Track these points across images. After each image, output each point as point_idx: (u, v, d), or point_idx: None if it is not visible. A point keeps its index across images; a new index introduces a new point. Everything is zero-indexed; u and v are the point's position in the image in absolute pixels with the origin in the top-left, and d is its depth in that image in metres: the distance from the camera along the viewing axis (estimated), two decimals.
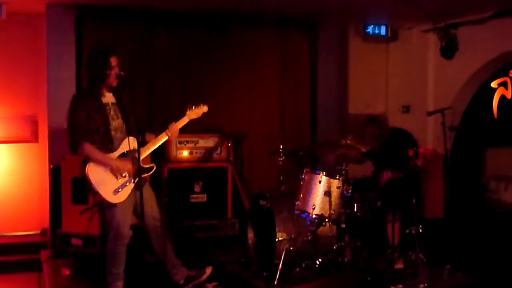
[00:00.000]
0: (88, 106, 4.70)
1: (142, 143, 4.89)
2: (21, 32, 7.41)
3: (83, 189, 6.14)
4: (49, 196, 6.67)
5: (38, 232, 7.45)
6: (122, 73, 4.75)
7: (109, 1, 6.92)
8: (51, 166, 6.62)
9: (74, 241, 6.29)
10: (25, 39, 7.44)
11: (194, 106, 5.10)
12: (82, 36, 7.19)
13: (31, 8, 7.03)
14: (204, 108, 5.16)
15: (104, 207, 4.86)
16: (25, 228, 7.46)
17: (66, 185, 6.35)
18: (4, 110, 7.42)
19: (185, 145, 6.95)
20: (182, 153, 6.95)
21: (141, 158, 4.69)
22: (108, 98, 4.83)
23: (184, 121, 5.06)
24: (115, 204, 4.71)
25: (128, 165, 4.75)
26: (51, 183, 6.58)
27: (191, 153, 6.97)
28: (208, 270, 5.36)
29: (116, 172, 4.71)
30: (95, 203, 6.10)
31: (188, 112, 5.09)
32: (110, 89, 4.84)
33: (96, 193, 4.72)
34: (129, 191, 4.78)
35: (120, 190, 4.72)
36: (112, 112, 4.80)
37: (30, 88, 7.48)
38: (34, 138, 7.51)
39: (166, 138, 4.99)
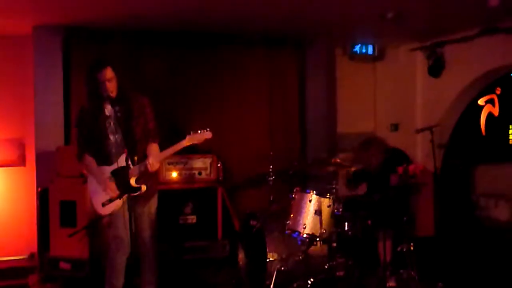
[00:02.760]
0: (88, 121, 4.82)
1: (138, 160, 4.80)
2: (8, 54, 7.35)
3: (71, 212, 6.15)
4: (37, 220, 6.60)
5: (26, 256, 7.33)
6: (113, 91, 4.69)
7: (96, 23, 6.90)
8: (39, 189, 6.56)
9: (63, 265, 6.23)
10: (12, 61, 7.37)
11: (199, 131, 4.68)
12: (69, 58, 7.16)
13: (17, 30, 7.01)
14: (208, 134, 4.70)
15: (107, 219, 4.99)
16: (12, 252, 7.34)
17: (54, 208, 6.30)
18: None
19: (174, 166, 6.92)
20: (171, 174, 6.91)
21: (133, 176, 4.73)
22: (110, 110, 4.78)
23: (181, 145, 4.69)
24: (101, 216, 4.88)
25: (112, 185, 4.82)
26: (38, 207, 6.52)
27: (180, 174, 6.94)
28: None
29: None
30: (83, 226, 6.05)
31: (188, 137, 4.67)
32: (111, 102, 4.74)
33: (90, 202, 5.01)
34: (116, 207, 4.78)
35: (107, 203, 4.77)
36: (112, 126, 4.76)
37: (17, 111, 7.40)
38: (21, 161, 7.43)
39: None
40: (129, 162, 4.71)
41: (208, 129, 4.71)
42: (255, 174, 6.56)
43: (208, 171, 7.03)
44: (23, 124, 7.40)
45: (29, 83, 7.17)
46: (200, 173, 7.00)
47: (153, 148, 4.88)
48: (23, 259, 7.34)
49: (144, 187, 4.81)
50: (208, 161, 7.06)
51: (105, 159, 4.84)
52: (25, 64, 7.27)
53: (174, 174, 6.91)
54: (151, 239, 5.06)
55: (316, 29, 7.62)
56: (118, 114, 4.74)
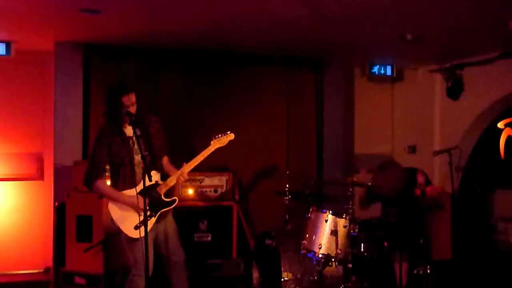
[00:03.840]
0: (110, 142, 4.75)
1: (162, 177, 4.86)
2: (29, 70, 7.46)
3: (88, 227, 6.17)
4: (53, 234, 6.64)
5: (42, 270, 7.37)
6: (131, 111, 4.74)
7: (116, 40, 6.99)
8: (56, 204, 6.60)
9: (78, 279, 6.25)
10: (33, 76, 7.49)
11: (220, 135, 4.95)
12: (89, 74, 7.24)
13: (39, 46, 7.11)
14: (231, 136, 4.98)
15: (126, 241, 4.79)
16: (28, 266, 7.38)
17: (71, 223, 6.33)
18: (10, 147, 7.42)
19: (191, 183, 6.92)
20: (187, 191, 6.91)
21: (162, 191, 4.76)
22: (130, 131, 4.79)
23: (209, 151, 4.90)
24: (136, 239, 4.62)
25: (141, 201, 4.60)
26: (55, 221, 6.56)
27: (196, 191, 6.94)
28: None
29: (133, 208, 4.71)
30: (99, 241, 6.07)
31: (212, 142, 4.92)
32: (131, 123, 4.77)
33: (117, 229, 4.74)
34: (151, 225, 4.69)
35: (140, 225, 4.57)
36: (135, 146, 4.77)
37: (37, 125, 7.50)
38: (40, 175, 7.50)
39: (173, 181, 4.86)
40: (159, 178, 4.80)
41: (229, 132, 4.95)
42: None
43: (224, 189, 7.03)
44: (42, 138, 7.49)
45: (49, 98, 7.26)
46: (216, 191, 7.00)
47: (166, 160, 5.05)
48: (38, 273, 7.37)
49: (176, 199, 4.86)
50: (224, 178, 7.06)
51: (130, 181, 4.73)
52: (46, 80, 7.39)
53: (190, 191, 6.92)
54: (184, 251, 5.03)
55: (334, 49, 7.63)
56: (139, 135, 4.78)
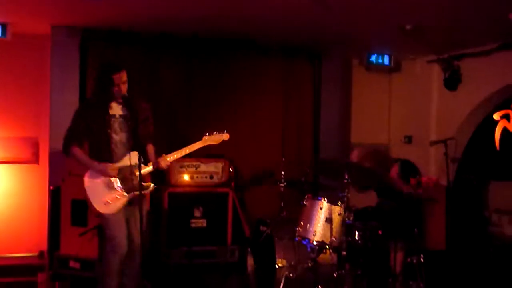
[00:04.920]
0: (89, 117, 4.81)
1: (143, 162, 4.87)
2: (25, 53, 7.42)
3: (83, 211, 6.17)
4: (48, 218, 6.62)
5: (36, 254, 7.36)
6: (125, 94, 4.77)
7: (114, 25, 6.95)
8: (51, 188, 6.59)
9: (72, 264, 6.25)
10: (29, 60, 7.45)
11: (215, 132, 5.04)
12: (86, 59, 7.22)
13: (35, 29, 7.07)
14: (226, 136, 5.09)
15: (102, 218, 4.91)
16: (22, 249, 7.38)
17: (66, 207, 6.33)
18: (5, 131, 7.40)
19: (186, 169, 6.93)
20: (183, 177, 6.92)
21: (138, 175, 4.70)
22: (115, 110, 4.83)
23: (197, 145, 5.00)
24: (102, 214, 4.79)
25: (115, 170, 4.76)
26: (50, 205, 6.54)
27: (192, 177, 6.95)
28: None
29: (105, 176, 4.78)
30: (94, 226, 6.07)
31: (205, 137, 5.02)
32: (120, 102, 4.84)
33: (89, 202, 4.82)
34: (120, 205, 4.81)
35: (110, 202, 4.77)
36: (116, 125, 4.80)
37: (32, 109, 7.47)
38: (35, 159, 7.48)
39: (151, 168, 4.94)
40: (140, 162, 4.76)
41: (225, 131, 5.03)
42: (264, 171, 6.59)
43: (219, 175, 7.04)
44: (38, 122, 7.46)
45: (45, 82, 7.24)
46: (211, 177, 7.00)
47: (151, 148, 5.12)
48: (33, 256, 7.37)
49: (152, 186, 4.89)
50: (220, 165, 7.06)
51: (106, 156, 4.84)
52: (42, 64, 7.34)
53: (186, 177, 6.92)
54: (140, 241, 4.98)
55: (332, 39, 7.62)
56: (125, 115, 4.86)
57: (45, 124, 7.17)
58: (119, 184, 4.83)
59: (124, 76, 4.80)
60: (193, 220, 6.81)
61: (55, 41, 7.06)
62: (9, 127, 7.43)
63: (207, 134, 5.03)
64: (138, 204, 4.81)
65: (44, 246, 7.01)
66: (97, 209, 4.80)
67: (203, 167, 6.98)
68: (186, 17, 6.53)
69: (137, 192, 4.73)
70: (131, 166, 4.82)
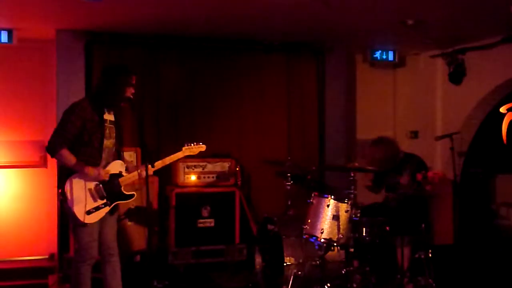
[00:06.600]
0: (87, 117, 4.64)
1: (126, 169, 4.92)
2: (31, 58, 7.48)
3: None
4: (57, 221, 6.68)
5: (46, 256, 7.42)
6: (131, 97, 4.79)
7: (118, 28, 6.99)
8: (60, 191, 6.60)
9: None
10: (35, 64, 7.51)
11: (193, 144, 5.11)
12: (91, 62, 7.25)
13: (41, 34, 7.11)
14: (202, 147, 5.16)
15: (75, 226, 4.71)
16: (33, 252, 7.43)
17: None
18: (13, 135, 7.45)
19: (193, 169, 6.96)
20: (190, 177, 6.95)
21: (123, 184, 4.82)
22: (107, 115, 4.80)
23: (177, 156, 5.04)
24: (85, 224, 4.61)
25: (101, 174, 4.67)
26: (59, 208, 6.58)
27: (199, 177, 6.98)
28: None
29: (90, 178, 4.65)
30: None
31: (184, 148, 5.08)
32: (111, 109, 4.83)
33: (69, 209, 4.62)
34: (103, 214, 4.72)
35: (93, 211, 4.65)
36: (107, 131, 4.78)
37: (40, 113, 7.52)
38: (43, 163, 7.52)
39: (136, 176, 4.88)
40: (124, 170, 4.86)
41: (201, 143, 5.14)
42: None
43: (226, 175, 7.07)
44: (45, 126, 7.48)
45: (52, 86, 7.28)
46: (218, 177, 7.04)
47: (126, 156, 5.26)
48: (43, 259, 7.42)
49: (134, 195, 4.90)
50: (226, 165, 7.09)
51: (96, 161, 4.70)
52: (48, 68, 7.39)
53: (193, 178, 6.95)
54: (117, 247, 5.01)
55: (336, 35, 7.62)
56: (114, 121, 4.85)
57: (53, 128, 7.18)
58: (104, 193, 4.71)
59: (135, 79, 4.82)
60: (200, 220, 6.85)
61: (60, 45, 7.09)
62: (17, 131, 7.48)
63: (186, 145, 5.09)
64: (116, 214, 4.96)
65: (54, 248, 7.08)
66: (78, 217, 4.59)
67: (209, 167, 7.01)
68: (188, 19, 6.55)
69: (119, 201, 4.80)
70: (117, 174, 4.81)
